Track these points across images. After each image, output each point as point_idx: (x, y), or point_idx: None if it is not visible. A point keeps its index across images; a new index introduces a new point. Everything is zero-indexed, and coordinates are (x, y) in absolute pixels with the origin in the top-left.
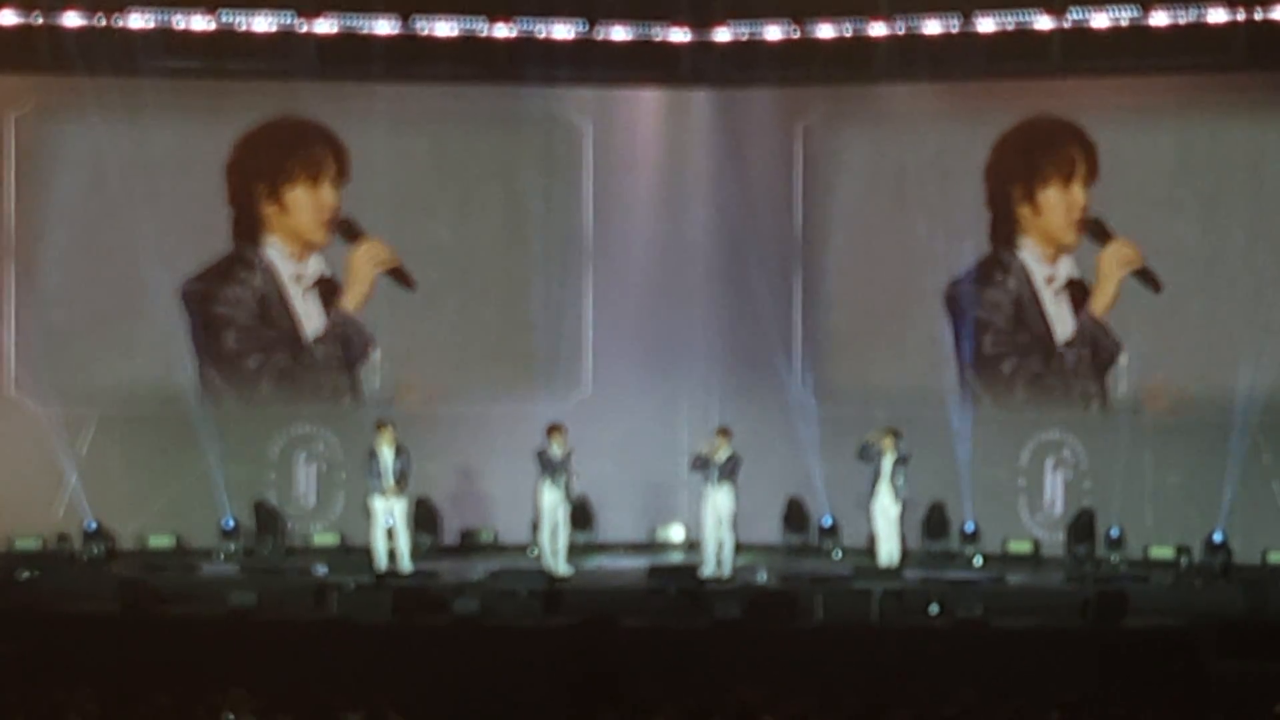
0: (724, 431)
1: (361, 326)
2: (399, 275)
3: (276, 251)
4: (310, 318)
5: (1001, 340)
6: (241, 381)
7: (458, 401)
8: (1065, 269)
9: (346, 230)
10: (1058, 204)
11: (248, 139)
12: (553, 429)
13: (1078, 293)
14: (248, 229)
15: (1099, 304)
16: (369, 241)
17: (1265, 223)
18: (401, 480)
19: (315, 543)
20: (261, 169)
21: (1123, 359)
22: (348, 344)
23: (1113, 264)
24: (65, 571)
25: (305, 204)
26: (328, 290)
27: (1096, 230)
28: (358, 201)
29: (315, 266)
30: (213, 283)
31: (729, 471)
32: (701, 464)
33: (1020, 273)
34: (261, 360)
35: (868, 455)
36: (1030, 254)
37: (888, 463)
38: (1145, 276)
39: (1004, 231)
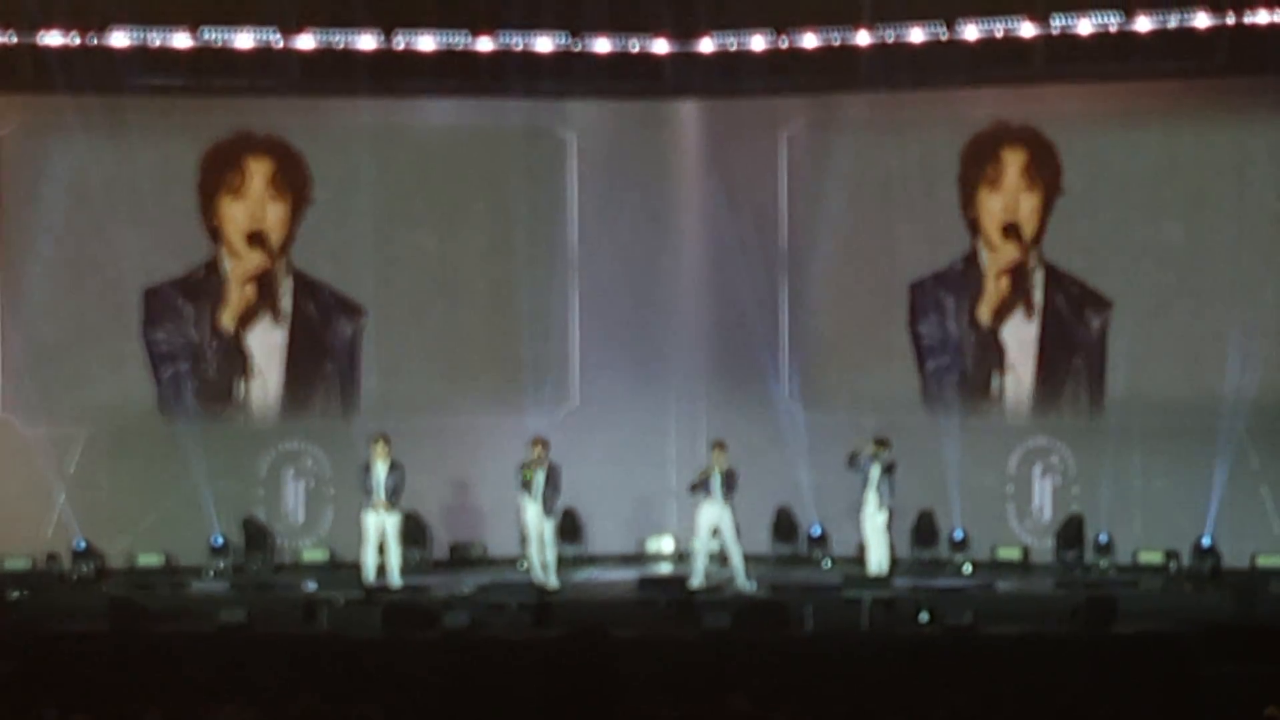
0: (721, 445)
1: (233, 344)
2: (266, 284)
3: (228, 264)
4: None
5: (939, 343)
6: (169, 391)
7: (445, 414)
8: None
9: (257, 242)
10: (992, 209)
11: (210, 154)
12: (532, 443)
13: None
14: (211, 240)
15: (983, 309)
16: (252, 253)
17: (1248, 226)
18: (393, 495)
19: (304, 558)
20: (211, 184)
21: (1010, 376)
22: (222, 361)
23: (992, 265)
24: (55, 591)
25: (234, 216)
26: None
27: (1013, 234)
28: (344, 215)
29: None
30: (169, 291)
31: (731, 485)
32: (703, 481)
33: (975, 277)
34: (179, 369)
35: (856, 464)
36: (985, 259)
37: (875, 471)
38: (1016, 274)
39: (972, 236)
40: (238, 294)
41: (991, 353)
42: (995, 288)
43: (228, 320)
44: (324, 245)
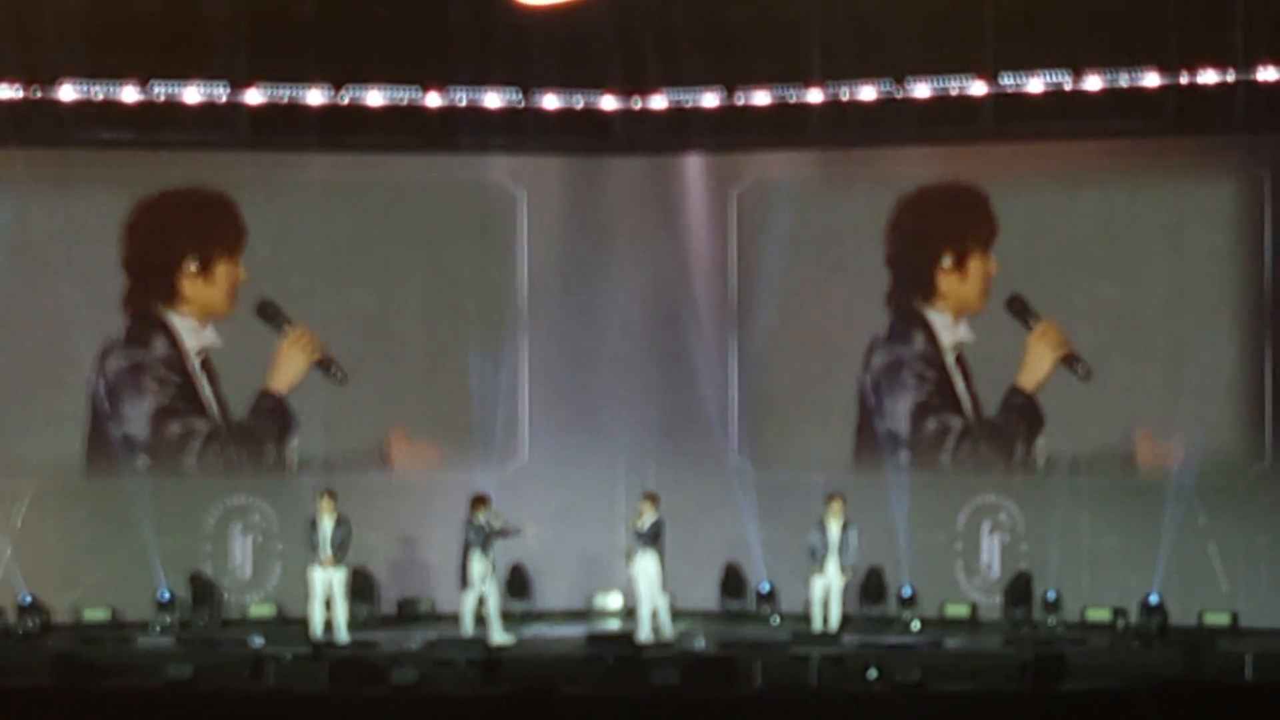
0: (650, 496)
1: (286, 408)
2: (329, 366)
3: (181, 321)
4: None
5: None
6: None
7: (394, 469)
8: (963, 333)
9: (268, 314)
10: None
11: (147, 205)
12: (477, 500)
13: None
14: (154, 296)
15: (1029, 379)
16: (299, 330)
17: (1187, 286)
18: (340, 551)
19: (251, 614)
20: (163, 238)
21: (1042, 438)
22: (271, 423)
23: (1045, 345)
24: (0, 646)
25: (216, 276)
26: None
27: (1019, 309)
28: (298, 272)
29: (209, 338)
30: (120, 350)
31: (653, 536)
32: (632, 532)
33: (927, 335)
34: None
35: (817, 539)
36: (938, 317)
37: (835, 529)
38: (1073, 362)
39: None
40: (296, 372)
41: (1028, 421)
42: (1038, 362)
43: (283, 388)
44: (278, 300)
